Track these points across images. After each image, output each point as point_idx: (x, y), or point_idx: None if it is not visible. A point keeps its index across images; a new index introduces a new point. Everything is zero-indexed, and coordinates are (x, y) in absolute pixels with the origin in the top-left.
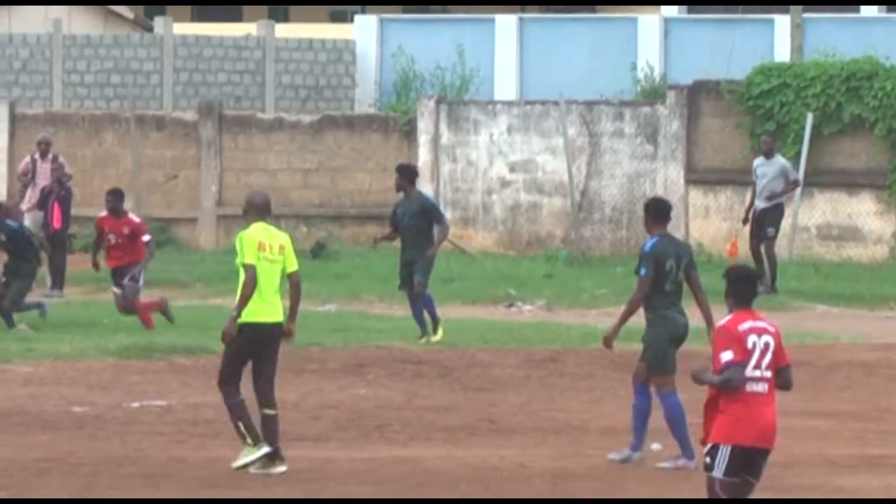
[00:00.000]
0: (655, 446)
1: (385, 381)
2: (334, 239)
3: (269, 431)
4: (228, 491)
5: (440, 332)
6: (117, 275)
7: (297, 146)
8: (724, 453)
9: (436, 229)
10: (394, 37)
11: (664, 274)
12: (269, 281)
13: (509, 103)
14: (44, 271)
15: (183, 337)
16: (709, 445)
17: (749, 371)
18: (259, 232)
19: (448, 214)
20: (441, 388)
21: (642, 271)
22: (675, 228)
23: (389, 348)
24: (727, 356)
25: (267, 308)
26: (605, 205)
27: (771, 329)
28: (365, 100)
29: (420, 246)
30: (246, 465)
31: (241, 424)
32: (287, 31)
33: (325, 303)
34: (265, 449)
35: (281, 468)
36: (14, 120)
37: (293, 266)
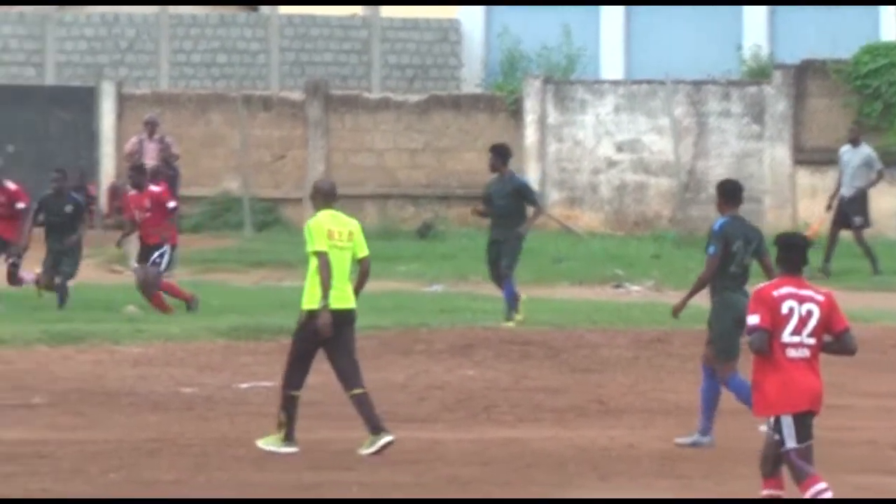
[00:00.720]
0: (763, 429)
1: (492, 362)
2: (441, 219)
3: (364, 409)
4: (335, 473)
5: (514, 320)
6: (145, 251)
7: (404, 126)
8: (788, 423)
9: (529, 211)
10: (499, 16)
11: (731, 255)
12: (339, 267)
13: (616, 83)
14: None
15: (291, 318)
16: (771, 421)
17: (786, 336)
18: (327, 219)
19: (555, 195)
20: (549, 369)
21: (711, 249)
22: (782, 208)
23: (497, 329)
24: (753, 320)
25: (336, 294)
26: (711, 185)
27: (819, 297)
28: (471, 80)
29: (509, 226)
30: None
31: (283, 415)
32: (393, 10)
33: (432, 283)
34: (292, 449)
35: (387, 437)
36: (121, 100)
37: (363, 252)
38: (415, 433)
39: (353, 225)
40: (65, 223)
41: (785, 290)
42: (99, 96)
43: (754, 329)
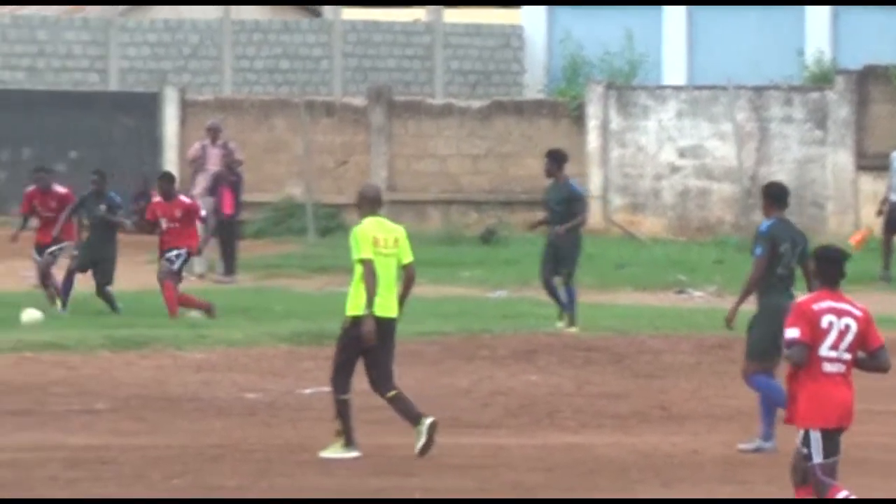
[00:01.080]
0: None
1: (556, 368)
2: (504, 225)
3: (402, 407)
4: (399, 478)
5: (565, 323)
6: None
7: (467, 132)
8: (816, 438)
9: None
10: (562, 22)
11: (778, 256)
12: (385, 274)
13: (678, 88)
14: (214, 257)
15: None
16: (801, 435)
17: (824, 351)
18: (373, 226)
19: (617, 200)
20: (612, 374)
21: (758, 251)
22: (844, 214)
23: (560, 335)
24: (793, 334)
25: (383, 302)
26: None
27: (856, 313)
28: (534, 85)
29: (565, 233)
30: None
31: (339, 422)
32: (455, 15)
33: (496, 289)
34: (355, 453)
35: (429, 420)
36: (184, 106)
37: (408, 258)
38: (478, 439)
39: (399, 231)
40: (99, 223)
41: (825, 304)
42: (162, 102)
43: (794, 342)
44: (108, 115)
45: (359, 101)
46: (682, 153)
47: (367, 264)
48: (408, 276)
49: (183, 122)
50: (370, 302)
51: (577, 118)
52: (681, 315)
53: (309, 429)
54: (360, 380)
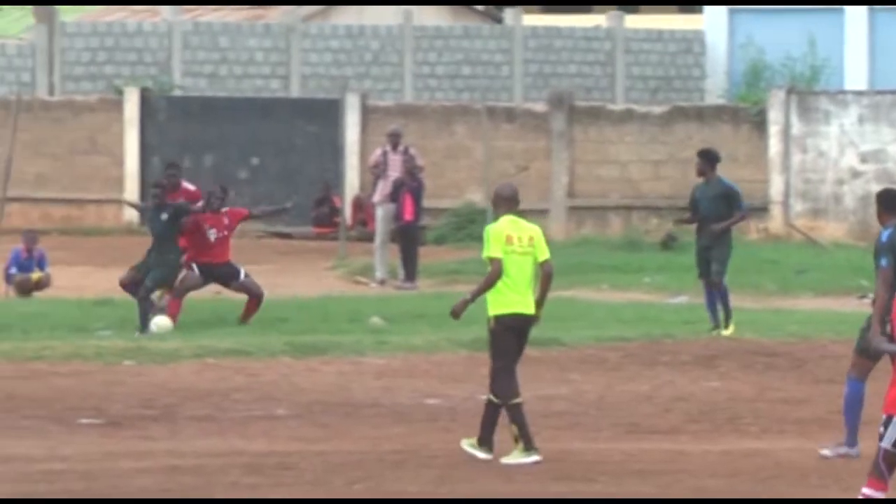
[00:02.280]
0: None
1: (737, 374)
2: (684, 231)
3: (514, 418)
4: (581, 484)
5: (731, 327)
6: (220, 270)
7: (648, 137)
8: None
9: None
10: (743, 27)
11: None
12: (520, 273)
13: (859, 93)
14: (395, 263)
15: (534, 329)
16: (884, 416)
17: None
18: (507, 225)
19: (798, 206)
20: (793, 380)
21: (883, 262)
22: None
23: (741, 340)
24: None
25: (521, 300)
26: None
27: None
28: (714, 90)
29: (717, 232)
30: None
31: (514, 427)
32: (636, 21)
33: (676, 295)
34: (535, 458)
35: (534, 457)
36: (365, 112)
37: (544, 255)
38: (659, 444)
39: (535, 230)
40: (163, 232)
41: None
42: (343, 108)
43: None
44: (290, 121)
45: (539, 107)
46: (863, 158)
47: (495, 262)
48: (545, 274)
49: (364, 128)
50: (475, 293)
51: (759, 123)
52: (862, 320)
53: None
54: (537, 385)
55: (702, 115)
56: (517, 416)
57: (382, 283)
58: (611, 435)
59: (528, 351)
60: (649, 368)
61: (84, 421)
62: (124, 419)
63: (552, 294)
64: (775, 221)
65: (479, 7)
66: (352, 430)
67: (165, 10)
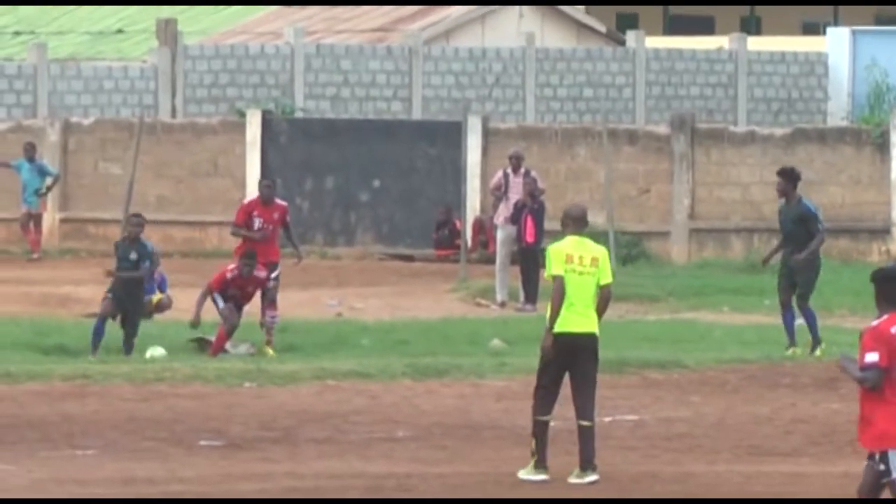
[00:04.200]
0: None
1: (858, 396)
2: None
3: (583, 442)
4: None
5: (819, 350)
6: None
7: (770, 160)
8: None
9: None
10: (866, 49)
11: None
12: (579, 292)
13: None
14: (516, 285)
15: (655, 351)
16: (877, 455)
17: None
18: (569, 245)
19: None
20: None
21: None
22: None
23: None
24: (872, 358)
25: (578, 319)
26: None
27: None
28: (837, 112)
29: (798, 252)
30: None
31: (533, 442)
32: (759, 43)
33: (797, 318)
34: (542, 477)
35: (592, 477)
36: (487, 134)
37: (606, 279)
38: (779, 467)
39: (600, 251)
40: (130, 270)
41: None
42: (465, 131)
43: (873, 366)
44: (411, 143)
45: (661, 130)
46: None
47: (556, 280)
48: (601, 297)
49: (485, 150)
50: (553, 318)
51: (881, 145)
52: None
53: (609, 457)
54: (657, 407)
55: (824, 137)
56: (539, 433)
57: (503, 305)
58: (731, 457)
59: (648, 373)
60: (770, 390)
61: (204, 443)
62: (244, 441)
63: (668, 316)
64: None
65: (602, 29)
66: (472, 452)
67: (288, 33)
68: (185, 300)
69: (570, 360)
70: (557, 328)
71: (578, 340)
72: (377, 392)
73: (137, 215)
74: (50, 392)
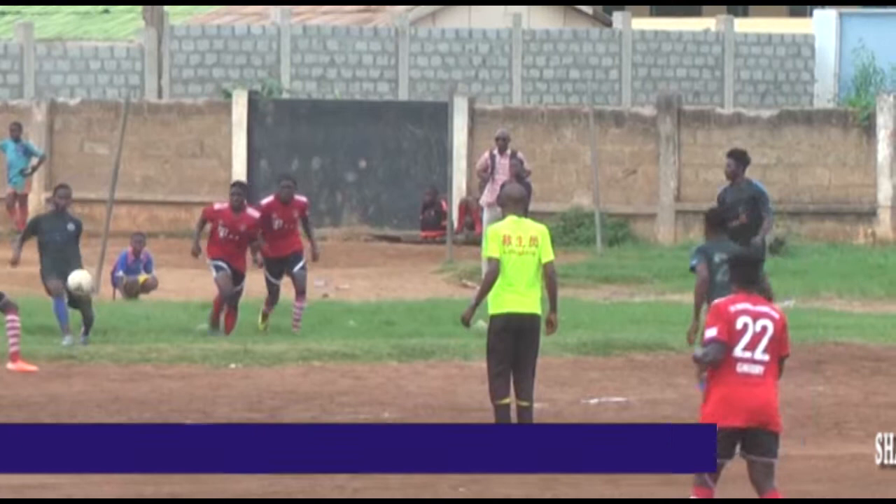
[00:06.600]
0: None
1: (843, 378)
2: (793, 235)
3: (521, 423)
4: (686, 487)
5: None
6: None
7: (756, 141)
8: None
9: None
10: (853, 31)
11: None
12: (519, 273)
13: None
14: None
15: (641, 333)
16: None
17: (738, 352)
18: (506, 226)
19: None
20: None
21: None
22: None
23: (848, 345)
24: (710, 333)
25: (519, 300)
26: None
27: (774, 315)
28: (823, 95)
29: (746, 236)
30: None
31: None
32: (746, 25)
33: (784, 299)
34: None
35: None
36: (473, 115)
37: (547, 257)
38: None
39: (539, 230)
40: (66, 243)
41: (741, 305)
42: (451, 112)
43: (711, 341)
44: (398, 124)
45: (648, 111)
46: None
47: (491, 262)
48: (547, 276)
49: (472, 131)
50: (479, 295)
51: (867, 128)
52: None
53: None
54: (643, 389)
55: (810, 119)
56: (503, 416)
57: None
58: None
59: (635, 355)
60: None
61: (190, 423)
62: (230, 422)
63: (653, 298)
64: (883, 226)
65: (588, 10)
66: None
67: (274, 14)
68: (171, 280)
69: (513, 341)
70: (499, 309)
71: (520, 320)
72: (363, 373)
73: (65, 186)
74: (36, 372)
